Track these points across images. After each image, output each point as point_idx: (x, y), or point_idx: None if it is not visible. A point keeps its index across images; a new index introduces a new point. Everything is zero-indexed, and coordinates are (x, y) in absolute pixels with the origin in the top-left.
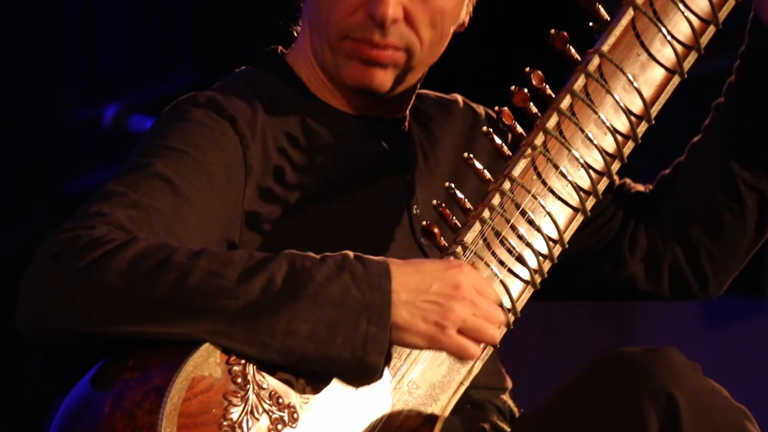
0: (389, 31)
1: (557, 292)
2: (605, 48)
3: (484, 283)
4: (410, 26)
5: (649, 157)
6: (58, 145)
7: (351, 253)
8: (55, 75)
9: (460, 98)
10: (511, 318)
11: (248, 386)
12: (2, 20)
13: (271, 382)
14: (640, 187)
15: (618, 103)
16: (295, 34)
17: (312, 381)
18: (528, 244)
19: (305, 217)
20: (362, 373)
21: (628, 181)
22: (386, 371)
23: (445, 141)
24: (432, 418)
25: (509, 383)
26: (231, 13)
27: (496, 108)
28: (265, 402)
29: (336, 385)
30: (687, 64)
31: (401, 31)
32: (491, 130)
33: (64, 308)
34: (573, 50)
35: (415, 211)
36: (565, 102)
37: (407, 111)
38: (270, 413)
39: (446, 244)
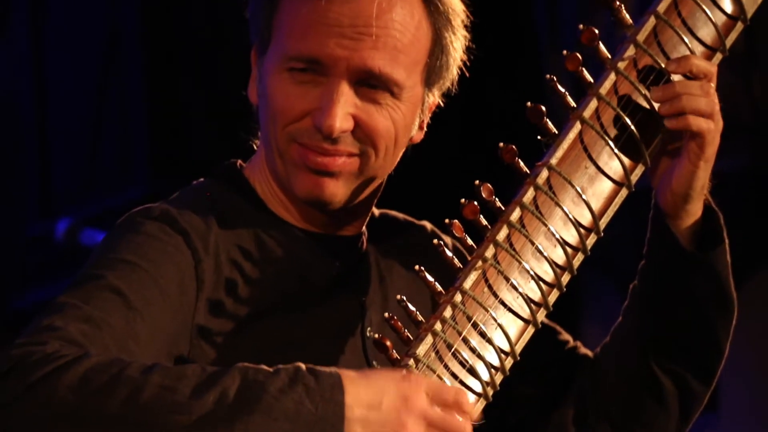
0: (340, 139)
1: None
2: (553, 161)
3: (439, 388)
4: (363, 133)
5: (597, 268)
6: (9, 259)
7: (303, 366)
8: (6, 189)
9: (428, 225)
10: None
11: None
12: None
13: None
14: (587, 353)
15: (567, 215)
16: (255, 147)
17: None
18: (480, 357)
19: (256, 333)
20: None
21: (579, 344)
22: None
23: (403, 264)
24: None
25: None
26: (182, 127)
27: (446, 221)
28: None
29: None
30: (634, 177)
31: (352, 139)
32: (443, 243)
33: (15, 427)
34: (522, 163)
35: (368, 333)
36: (515, 214)
37: (363, 227)
38: None
39: (398, 357)
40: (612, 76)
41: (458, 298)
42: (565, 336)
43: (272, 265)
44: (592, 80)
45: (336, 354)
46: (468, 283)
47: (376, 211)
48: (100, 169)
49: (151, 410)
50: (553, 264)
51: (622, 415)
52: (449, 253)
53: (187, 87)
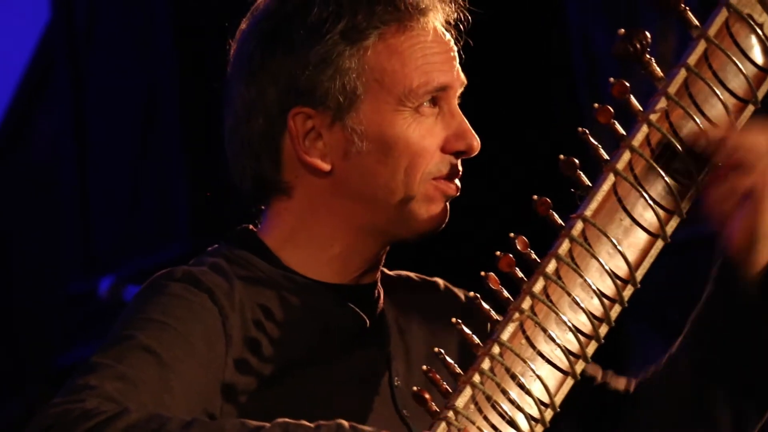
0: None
1: None
2: (588, 213)
3: None
4: None
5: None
6: (53, 318)
7: (345, 423)
8: (49, 248)
9: (441, 282)
10: None
11: None
12: None
13: None
14: (622, 382)
15: (603, 267)
16: (261, 215)
17: None
18: (519, 408)
19: (283, 389)
20: None
21: (611, 373)
22: None
23: (420, 320)
24: None
25: None
26: (220, 186)
27: (482, 273)
28: None
29: None
30: (669, 229)
31: None
32: (460, 321)
33: None
34: (556, 216)
35: (396, 383)
36: (551, 266)
37: (378, 275)
38: None
39: (437, 410)
40: (644, 129)
41: (496, 350)
42: (593, 369)
43: (294, 320)
44: (624, 133)
45: (365, 405)
46: (506, 335)
47: (388, 271)
48: (141, 227)
49: None
50: (590, 315)
51: None
52: (467, 330)
53: (224, 146)
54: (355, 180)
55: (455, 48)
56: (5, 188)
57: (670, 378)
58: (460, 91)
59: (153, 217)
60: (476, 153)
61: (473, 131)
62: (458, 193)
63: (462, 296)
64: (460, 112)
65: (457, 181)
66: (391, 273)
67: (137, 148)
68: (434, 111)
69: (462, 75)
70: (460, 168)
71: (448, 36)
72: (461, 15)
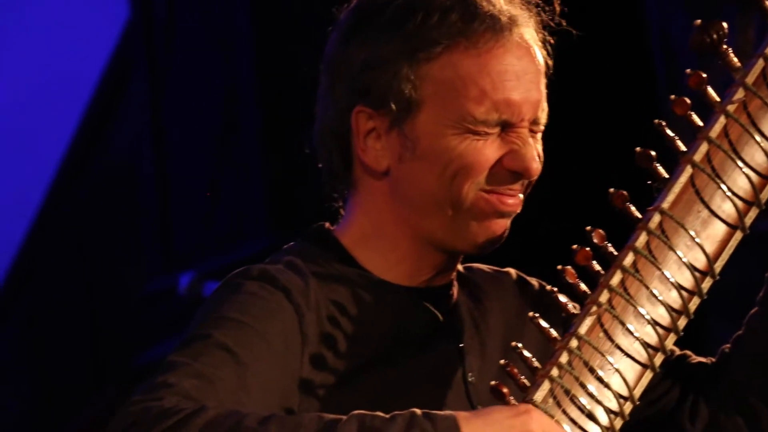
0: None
1: None
2: (665, 205)
3: (553, 426)
4: None
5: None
6: (133, 315)
7: (419, 411)
8: (129, 246)
9: (513, 272)
10: None
11: None
12: (75, 195)
13: None
14: (702, 359)
15: (681, 259)
16: (342, 212)
17: None
18: (598, 402)
19: (360, 385)
20: None
21: (688, 352)
22: None
23: (495, 312)
24: None
25: None
26: (299, 182)
27: (559, 267)
28: None
29: None
30: (748, 220)
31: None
32: (537, 315)
33: None
34: (633, 208)
35: (470, 379)
36: (628, 259)
37: (453, 275)
38: None
39: (515, 404)
40: (722, 120)
41: (574, 343)
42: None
43: (369, 318)
44: (701, 124)
45: (439, 401)
46: (583, 329)
47: (459, 266)
48: (220, 224)
49: None
50: (668, 308)
51: (759, 404)
52: (544, 324)
53: (304, 142)
54: (408, 186)
55: (537, 70)
56: (85, 187)
57: (752, 338)
58: (541, 117)
59: (232, 213)
60: (534, 177)
61: (534, 154)
62: (516, 210)
63: (535, 284)
64: (528, 138)
65: (515, 199)
66: (461, 267)
67: (216, 145)
68: (497, 129)
69: (542, 103)
70: (520, 187)
71: (526, 59)
72: (546, 31)
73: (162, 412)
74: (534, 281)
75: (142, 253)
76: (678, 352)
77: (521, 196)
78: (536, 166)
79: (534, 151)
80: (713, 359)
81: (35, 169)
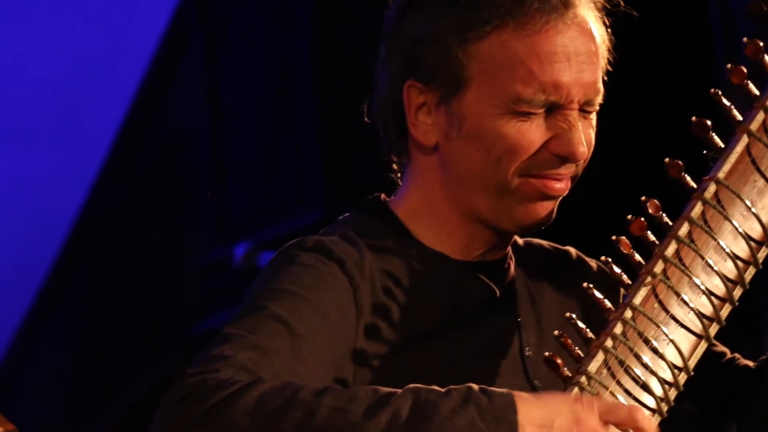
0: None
1: None
2: (721, 175)
3: (612, 407)
4: None
5: None
6: (189, 286)
7: (475, 386)
8: (185, 217)
9: (573, 251)
10: None
11: None
12: (131, 166)
13: None
14: (749, 363)
15: (737, 229)
16: (399, 183)
17: None
18: (653, 373)
19: (414, 357)
20: None
21: (737, 355)
22: None
23: (552, 288)
24: None
25: None
26: (356, 153)
27: (614, 237)
28: None
29: None
30: None
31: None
32: (591, 285)
33: None
34: (688, 178)
35: (527, 353)
36: (683, 229)
37: (509, 249)
38: None
39: (570, 375)
40: None
41: (628, 314)
42: (721, 348)
43: (424, 290)
44: (758, 93)
45: (495, 375)
46: (638, 299)
47: (519, 240)
48: (276, 194)
49: (324, 431)
50: (724, 278)
51: None
52: (599, 295)
53: (360, 113)
54: (454, 163)
55: (591, 51)
56: (141, 159)
57: None
58: (595, 99)
59: (288, 184)
60: (581, 161)
61: (581, 138)
62: (563, 194)
63: (594, 266)
64: (574, 118)
65: (562, 183)
66: (521, 241)
67: (272, 116)
68: (543, 111)
69: (596, 85)
70: (566, 170)
71: (580, 40)
72: (603, 9)
73: (218, 383)
74: (593, 262)
75: (199, 223)
76: (728, 356)
77: (569, 180)
78: (582, 150)
79: (581, 134)
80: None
81: (93, 137)
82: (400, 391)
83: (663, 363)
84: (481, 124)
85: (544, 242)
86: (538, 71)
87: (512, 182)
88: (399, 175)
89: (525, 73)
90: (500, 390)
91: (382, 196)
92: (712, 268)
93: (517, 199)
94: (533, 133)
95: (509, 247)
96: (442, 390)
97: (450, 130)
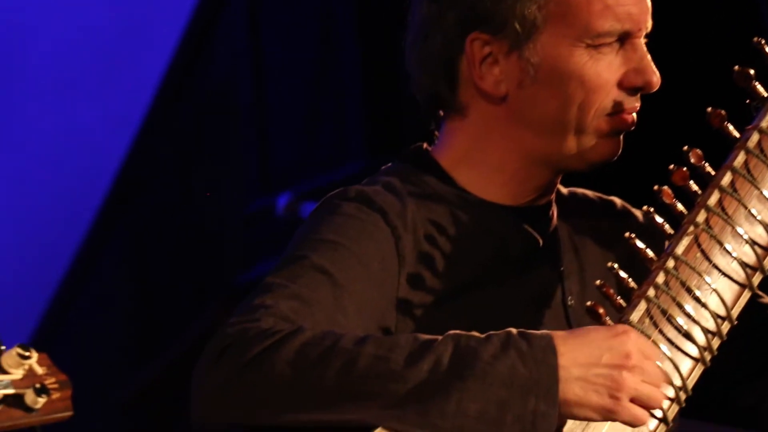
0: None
1: (711, 414)
2: (764, 124)
3: (650, 347)
4: None
5: None
6: (232, 236)
7: (514, 330)
8: (228, 168)
9: (618, 201)
10: (683, 396)
11: None
12: (175, 119)
13: None
14: None
15: None
16: (436, 134)
17: None
18: (695, 322)
19: (457, 305)
20: None
21: None
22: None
23: (595, 237)
24: None
25: None
26: (397, 103)
27: (656, 187)
28: None
29: None
30: None
31: None
32: (633, 235)
33: (236, 400)
34: (731, 127)
35: (569, 302)
36: (726, 179)
37: (553, 196)
38: None
39: (612, 325)
40: None
41: (671, 263)
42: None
43: (467, 238)
44: None
45: (538, 323)
46: (680, 249)
47: (563, 189)
48: (318, 145)
49: (366, 380)
50: (767, 227)
51: None
52: (641, 244)
53: (402, 63)
54: (528, 110)
55: None
56: (184, 110)
57: None
58: (646, 29)
59: (330, 134)
60: (655, 89)
61: (653, 66)
62: (633, 128)
63: (640, 216)
64: (644, 48)
65: (633, 115)
66: (565, 190)
67: (314, 66)
68: (615, 47)
69: (650, 16)
70: (637, 103)
71: None
72: None
73: (260, 333)
74: (638, 213)
75: (241, 174)
76: None
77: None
78: (657, 78)
79: (652, 62)
80: None
81: (137, 90)
82: (440, 338)
83: (706, 312)
84: (557, 66)
85: (589, 192)
86: (613, 3)
87: (590, 122)
88: (435, 126)
89: (601, 7)
90: (539, 333)
91: (425, 145)
92: (755, 217)
93: (594, 137)
94: (608, 71)
95: (554, 194)
96: (482, 336)
97: (523, 78)
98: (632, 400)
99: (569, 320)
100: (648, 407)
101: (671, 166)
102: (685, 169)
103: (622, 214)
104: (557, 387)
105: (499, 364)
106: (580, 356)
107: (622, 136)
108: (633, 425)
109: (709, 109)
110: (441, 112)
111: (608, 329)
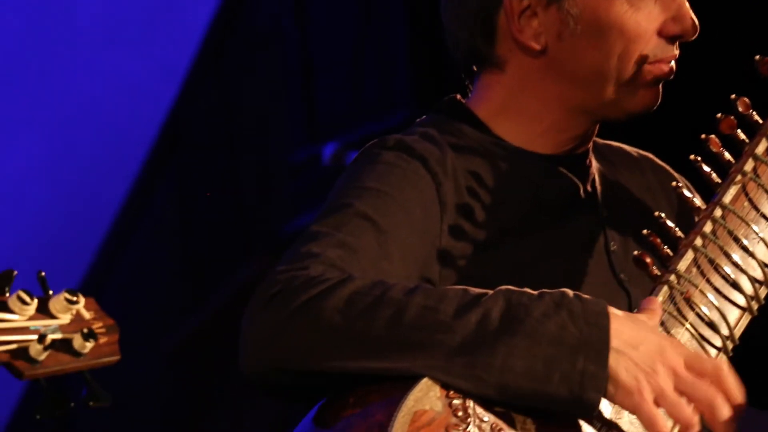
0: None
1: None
2: None
3: (698, 358)
4: None
5: None
6: (278, 185)
7: (570, 291)
8: (274, 117)
9: (652, 156)
10: (730, 345)
11: (469, 419)
12: (220, 68)
13: (491, 415)
14: None
15: None
16: (470, 87)
17: (531, 415)
18: (743, 271)
19: (499, 254)
20: (579, 411)
21: None
22: (607, 406)
23: (633, 187)
24: None
25: None
26: (443, 54)
27: (703, 136)
28: None
29: (556, 419)
30: None
31: None
32: (680, 184)
33: (284, 347)
34: None
35: (612, 248)
36: None
37: (590, 145)
38: None
39: (659, 273)
40: None
41: (718, 212)
42: None
43: (508, 186)
44: None
45: (582, 270)
46: (728, 198)
47: (600, 140)
48: (364, 95)
49: (414, 330)
50: None
51: None
52: (687, 194)
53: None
54: (568, 62)
55: None
56: (230, 61)
57: None
58: None
59: (376, 84)
60: (694, 37)
61: (692, 14)
62: (672, 76)
63: (673, 172)
64: None
65: (672, 64)
66: (601, 142)
67: (360, 16)
68: None
69: None
70: (677, 51)
71: None
72: None
73: (308, 280)
74: (671, 170)
75: (287, 123)
76: None
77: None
78: (696, 25)
79: (690, 9)
80: None
81: (182, 38)
82: (491, 292)
83: (753, 261)
84: (597, 17)
85: (625, 145)
86: None
87: (631, 72)
88: (469, 80)
89: None
90: (595, 299)
91: (458, 97)
92: None
93: (633, 87)
94: (648, 20)
95: (591, 144)
96: (535, 293)
97: (563, 30)
98: (656, 401)
99: (612, 266)
100: (672, 416)
101: (719, 115)
102: (732, 117)
103: (658, 168)
104: (608, 350)
105: (549, 323)
106: (625, 331)
107: (661, 86)
108: (649, 427)
109: (758, 56)
110: (474, 68)
111: (658, 332)
